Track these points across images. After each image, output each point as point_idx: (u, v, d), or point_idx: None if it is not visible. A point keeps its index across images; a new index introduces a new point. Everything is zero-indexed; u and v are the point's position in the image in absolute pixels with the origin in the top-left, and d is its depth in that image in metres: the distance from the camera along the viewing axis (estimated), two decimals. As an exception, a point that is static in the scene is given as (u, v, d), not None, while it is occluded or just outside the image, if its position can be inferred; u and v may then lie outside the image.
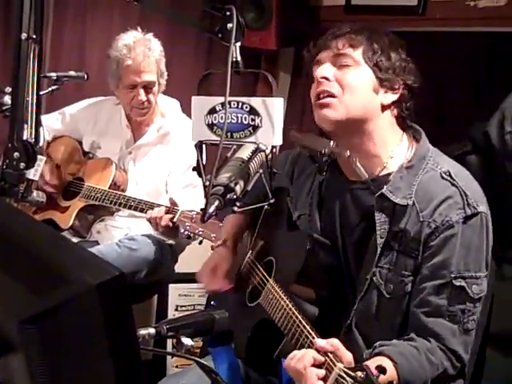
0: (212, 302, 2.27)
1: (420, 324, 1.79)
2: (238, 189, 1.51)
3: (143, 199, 3.05)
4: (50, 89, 3.08)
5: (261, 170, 1.61)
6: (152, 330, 1.64)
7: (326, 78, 1.84)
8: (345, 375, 1.45)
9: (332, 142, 1.83)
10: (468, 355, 1.82)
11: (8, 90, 2.46)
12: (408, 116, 1.91)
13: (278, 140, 1.60)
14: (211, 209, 1.47)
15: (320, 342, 1.62)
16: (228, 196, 1.50)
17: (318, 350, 1.61)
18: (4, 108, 2.56)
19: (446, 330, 1.78)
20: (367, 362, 1.60)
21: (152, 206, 2.99)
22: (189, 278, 3.72)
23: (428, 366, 1.76)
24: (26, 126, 1.75)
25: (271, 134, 1.57)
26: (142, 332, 1.62)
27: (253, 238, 2.17)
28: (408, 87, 1.88)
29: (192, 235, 2.89)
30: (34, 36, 1.73)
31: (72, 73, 3.17)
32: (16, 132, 1.73)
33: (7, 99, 2.54)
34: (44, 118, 3.27)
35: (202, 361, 1.66)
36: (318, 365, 1.58)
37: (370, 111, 1.86)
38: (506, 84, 3.08)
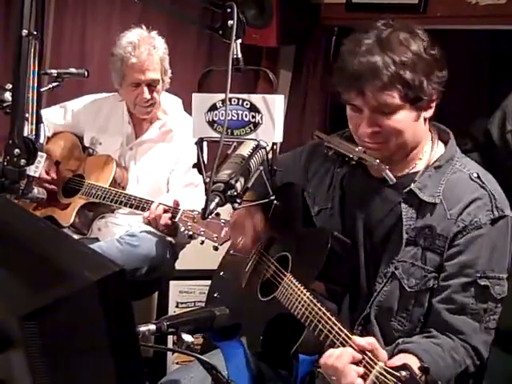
0: (215, 295, 2.26)
1: (443, 320, 1.81)
2: (239, 186, 1.51)
3: (144, 198, 3.05)
4: (50, 85, 3.07)
5: (261, 167, 1.61)
6: (152, 327, 1.64)
7: (375, 132, 1.81)
8: (386, 374, 1.45)
9: (360, 147, 1.83)
10: (488, 354, 1.84)
11: (9, 86, 2.45)
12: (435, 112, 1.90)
13: (279, 137, 1.60)
14: (212, 205, 1.47)
15: (359, 341, 1.62)
16: (228, 193, 1.50)
17: (354, 348, 1.61)
18: (5, 105, 2.56)
19: (468, 327, 1.80)
20: (394, 360, 1.62)
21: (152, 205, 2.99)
22: (189, 274, 3.74)
23: (452, 364, 1.77)
24: (26, 122, 1.75)
25: (272, 131, 1.58)
26: (143, 328, 1.63)
27: (263, 233, 2.15)
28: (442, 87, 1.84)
29: (194, 235, 2.89)
30: (35, 32, 1.73)
31: (72, 69, 3.16)
32: (16, 129, 1.73)
33: (8, 96, 2.54)
34: (45, 112, 3.27)
35: (202, 357, 1.66)
36: (356, 363, 1.58)
37: (416, 136, 1.86)
38: (506, 82, 3.07)
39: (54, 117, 3.41)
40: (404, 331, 1.84)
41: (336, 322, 1.72)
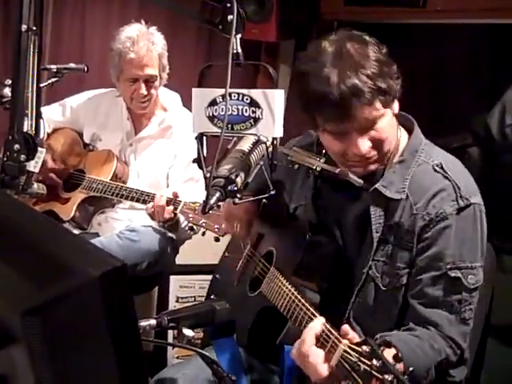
0: (212, 296, 2.28)
1: (417, 315, 1.81)
2: (239, 181, 1.52)
3: (145, 191, 3.05)
4: (49, 81, 3.07)
5: (261, 162, 1.61)
6: (153, 322, 1.64)
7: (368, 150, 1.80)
8: (350, 350, 1.45)
9: (321, 159, 1.84)
10: (466, 344, 1.84)
11: (8, 82, 2.45)
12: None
13: (279, 132, 1.60)
14: (212, 200, 1.47)
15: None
16: (229, 188, 1.50)
17: (324, 330, 1.58)
18: (4, 100, 2.56)
19: (443, 320, 1.80)
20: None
21: (154, 197, 2.99)
22: (190, 269, 3.74)
23: (431, 353, 1.77)
24: (26, 118, 1.75)
25: (272, 125, 1.58)
26: (143, 323, 1.63)
27: (253, 231, 2.17)
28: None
29: (195, 227, 2.90)
30: (34, 28, 1.73)
31: (72, 65, 3.16)
32: (16, 124, 1.73)
33: (7, 91, 2.54)
34: (44, 110, 3.26)
35: (203, 352, 1.67)
36: (321, 341, 1.56)
37: (393, 137, 1.86)
38: (506, 76, 3.07)
39: (54, 114, 3.41)
40: (384, 331, 1.81)
41: (309, 307, 1.71)
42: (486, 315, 2.05)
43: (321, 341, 1.57)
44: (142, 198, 3.02)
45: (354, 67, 1.70)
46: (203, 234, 2.86)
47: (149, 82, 3.12)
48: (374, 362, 1.38)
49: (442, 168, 1.84)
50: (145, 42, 3.07)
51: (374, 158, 1.82)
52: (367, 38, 1.79)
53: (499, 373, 2.40)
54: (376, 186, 1.85)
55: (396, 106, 1.84)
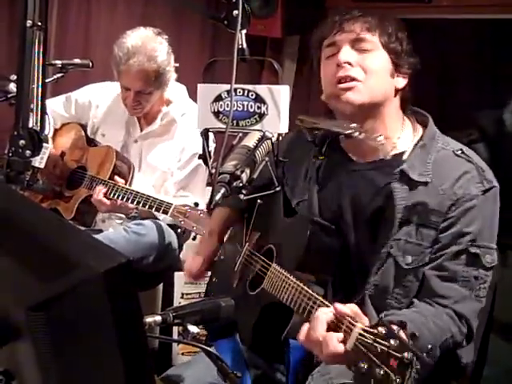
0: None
1: (432, 286, 1.83)
2: (244, 176, 1.51)
3: (139, 192, 3.03)
4: (55, 76, 3.07)
5: (267, 158, 1.61)
6: (158, 318, 1.64)
7: (349, 63, 1.86)
8: (365, 333, 1.43)
9: (354, 123, 1.84)
10: (476, 323, 1.85)
11: (13, 77, 2.45)
12: (410, 98, 1.96)
13: (284, 128, 1.60)
14: (217, 196, 1.47)
15: (339, 307, 1.54)
16: (234, 184, 1.50)
17: (335, 316, 1.54)
18: (9, 96, 2.56)
19: (457, 294, 1.81)
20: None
21: (148, 199, 2.98)
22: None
23: (436, 330, 1.76)
24: (31, 113, 1.75)
25: (277, 121, 1.57)
26: (148, 319, 1.62)
27: (248, 232, 2.16)
28: (413, 70, 1.93)
29: (186, 231, 2.91)
30: (39, 23, 1.73)
31: (77, 60, 3.16)
32: (21, 120, 1.73)
33: (12, 87, 2.54)
34: (50, 103, 3.26)
35: (208, 348, 1.67)
36: (333, 326, 1.53)
37: (387, 95, 1.91)
38: (510, 72, 3.07)
39: (60, 108, 3.40)
40: (400, 307, 1.84)
41: (317, 297, 1.68)
42: (489, 311, 2.05)
43: (333, 327, 1.53)
44: (136, 199, 3.01)
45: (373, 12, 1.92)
46: (194, 238, 2.87)
47: (141, 93, 3.11)
48: (392, 342, 1.37)
49: (463, 153, 1.90)
50: (139, 58, 3.02)
51: (358, 79, 1.86)
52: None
53: (502, 370, 2.40)
54: (402, 167, 1.87)
55: (402, 80, 1.91)
